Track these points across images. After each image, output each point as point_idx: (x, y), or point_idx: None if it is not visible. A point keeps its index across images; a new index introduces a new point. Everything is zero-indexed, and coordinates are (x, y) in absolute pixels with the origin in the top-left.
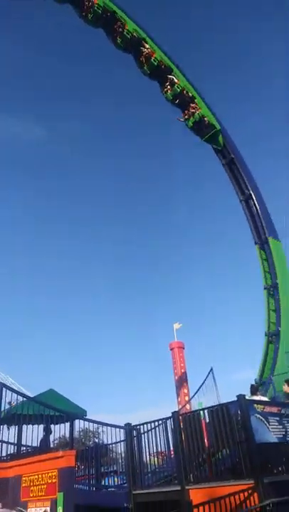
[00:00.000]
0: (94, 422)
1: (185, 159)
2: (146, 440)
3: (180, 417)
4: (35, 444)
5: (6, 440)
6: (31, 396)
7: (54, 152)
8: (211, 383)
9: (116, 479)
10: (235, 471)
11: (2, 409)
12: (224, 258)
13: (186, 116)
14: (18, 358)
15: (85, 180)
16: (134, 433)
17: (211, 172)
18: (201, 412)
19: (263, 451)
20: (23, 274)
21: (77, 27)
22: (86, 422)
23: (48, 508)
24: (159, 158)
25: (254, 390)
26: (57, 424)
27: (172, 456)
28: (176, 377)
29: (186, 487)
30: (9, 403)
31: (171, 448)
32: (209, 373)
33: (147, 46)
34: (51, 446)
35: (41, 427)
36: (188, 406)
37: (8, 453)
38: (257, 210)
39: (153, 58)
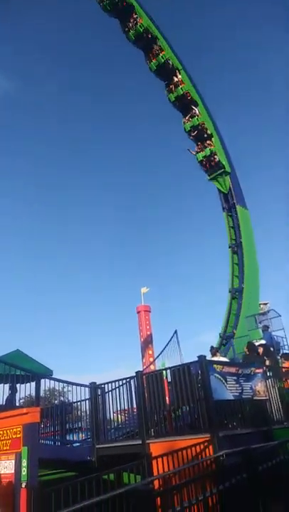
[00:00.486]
0: (60, 380)
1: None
2: (110, 398)
3: (143, 377)
4: (0, 403)
5: None
6: None
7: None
8: (176, 345)
9: (81, 435)
10: (194, 426)
11: None
12: (189, 222)
13: (198, 150)
14: None
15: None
16: (99, 391)
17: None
18: (164, 371)
19: (219, 408)
20: None
21: None
22: (52, 382)
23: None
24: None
25: (214, 352)
26: (23, 383)
27: (135, 413)
28: (142, 340)
29: (147, 441)
30: None
31: (134, 406)
32: (173, 335)
33: (180, 77)
34: (17, 404)
35: (7, 386)
36: (152, 367)
37: None
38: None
39: (181, 87)
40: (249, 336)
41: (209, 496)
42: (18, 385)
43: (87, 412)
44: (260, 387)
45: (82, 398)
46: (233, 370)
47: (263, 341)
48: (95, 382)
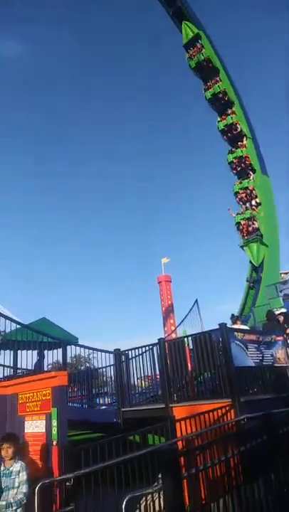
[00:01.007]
0: (85, 347)
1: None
2: (134, 364)
3: (166, 344)
4: (30, 368)
5: (3, 364)
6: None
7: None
8: (196, 314)
9: (107, 399)
10: (215, 391)
11: None
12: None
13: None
14: (9, 285)
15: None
16: (123, 358)
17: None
18: (185, 339)
19: (240, 374)
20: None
21: None
22: (78, 348)
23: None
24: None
25: (235, 320)
26: (50, 350)
27: (158, 379)
28: (164, 309)
29: (170, 405)
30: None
31: (157, 372)
32: (194, 304)
33: (230, 112)
34: (45, 370)
35: (35, 352)
36: (173, 335)
37: (6, 375)
38: None
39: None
40: (269, 305)
41: (231, 457)
42: (45, 352)
43: (112, 378)
44: (280, 354)
45: (107, 364)
46: (253, 337)
47: (283, 310)
48: (119, 349)
